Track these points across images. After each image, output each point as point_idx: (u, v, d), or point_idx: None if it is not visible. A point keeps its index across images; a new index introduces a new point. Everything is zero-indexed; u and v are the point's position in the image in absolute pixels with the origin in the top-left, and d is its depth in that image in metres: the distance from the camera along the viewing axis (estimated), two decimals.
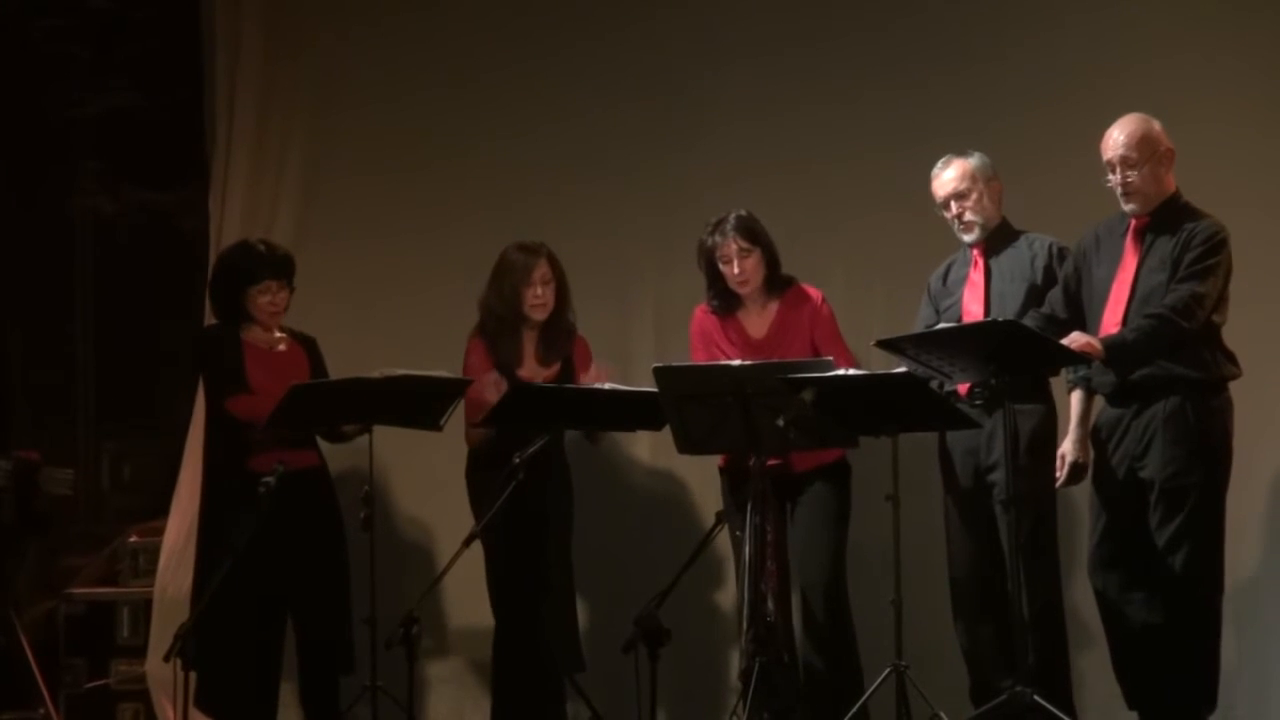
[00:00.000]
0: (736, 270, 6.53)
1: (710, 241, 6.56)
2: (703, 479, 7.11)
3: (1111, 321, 6.09)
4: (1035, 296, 6.33)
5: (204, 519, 6.71)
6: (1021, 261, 6.40)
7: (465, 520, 6.50)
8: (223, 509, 6.59)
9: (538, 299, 6.68)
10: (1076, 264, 6.29)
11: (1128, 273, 6.14)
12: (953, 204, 6.43)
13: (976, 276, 6.45)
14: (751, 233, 6.52)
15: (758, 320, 6.61)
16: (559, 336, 6.75)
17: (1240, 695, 6.82)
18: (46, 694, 7.18)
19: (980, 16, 7.32)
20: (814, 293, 6.62)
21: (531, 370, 6.71)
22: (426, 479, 7.38)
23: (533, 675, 6.62)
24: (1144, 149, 6.10)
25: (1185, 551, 6.02)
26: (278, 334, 6.76)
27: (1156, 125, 6.15)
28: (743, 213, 6.55)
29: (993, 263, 6.44)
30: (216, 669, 6.51)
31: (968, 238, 6.45)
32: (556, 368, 6.75)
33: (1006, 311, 6.26)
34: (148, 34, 8.02)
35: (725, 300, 6.61)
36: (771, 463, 6.29)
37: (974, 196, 6.41)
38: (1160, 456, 6.04)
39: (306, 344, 6.81)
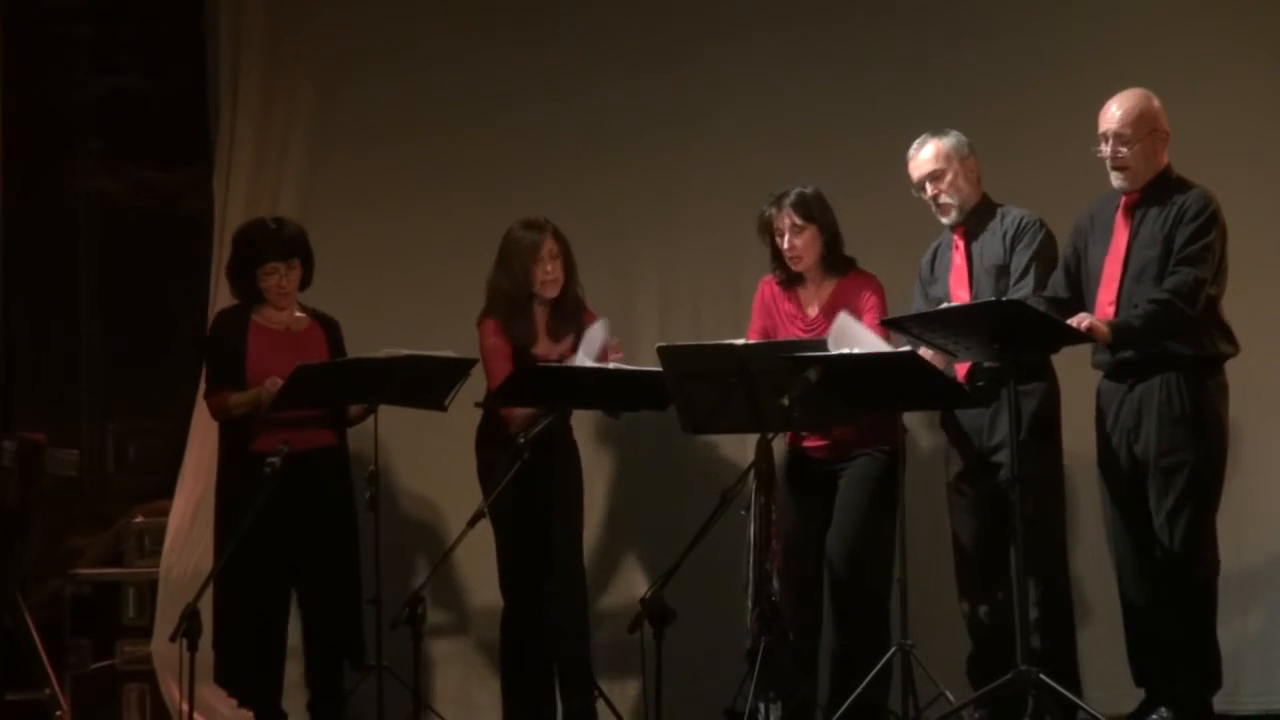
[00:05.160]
0: (787, 245, 6.50)
1: (768, 214, 6.53)
2: (713, 458, 7.11)
3: (1106, 300, 6.10)
4: (1004, 273, 6.33)
5: (216, 501, 6.73)
6: (995, 242, 6.39)
7: (472, 500, 6.49)
8: (229, 491, 6.61)
9: (548, 275, 6.66)
10: (1075, 244, 6.28)
11: (1119, 250, 6.14)
12: (928, 185, 6.42)
13: (959, 260, 6.44)
14: (807, 209, 6.48)
15: (814, 298, 6.59)
16: (569, 311, 6.74)
17: (1246, 676, 6.83)
18: (52, 675, 7.19)
19: None
20: (871, 280, 6.56)
21: (545, 347, 6.71)
22: (432, 459, 7.38)
23: (539, 655, 6.62)
24: (1139, 127, 6.10)
25: (1178, 530, 6.02)
26: (298, 314, 6.74)
27: (1155, 103, 6.15)
28: (807, 189, 6.51)
29: (973, 247, 6.42)
30: (232, 646, 6.54)
31: (945, 219, 6.45)
32: (569, 342, 6.73)
33: (987, 296, 6.25)
34: (151, 14, 8.01)
35: (789, 275, 6.59)
36: (817, 443, 6.38)
37: (948, 177, 6.40)
38: (1152, 435, 6.05)
39: (328, 326, 6.78)
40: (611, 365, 6.41)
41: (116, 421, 8.13)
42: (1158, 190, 6.13)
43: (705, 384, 6.11)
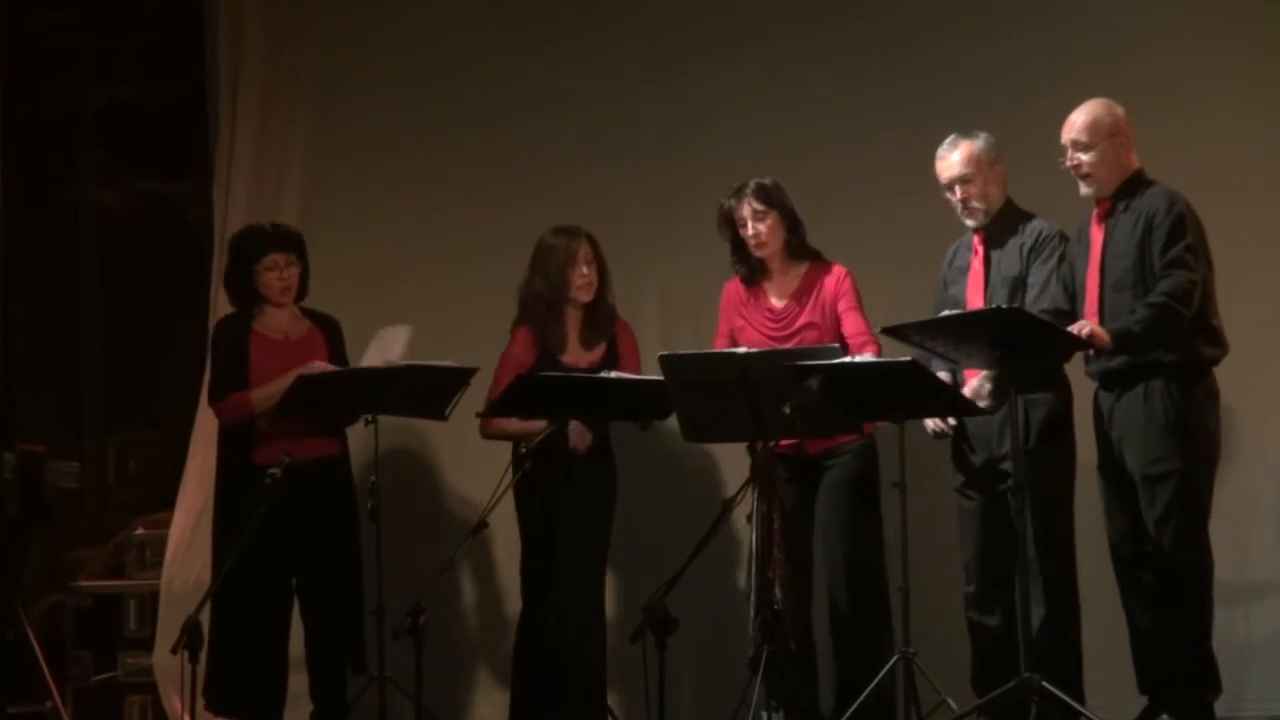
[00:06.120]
0: (751, 232, 6.54)
1: (728, 205, 6.58)
2: (715, 467, 7.10)
3: (1089, 310, 6.11)
4: (1019, 286, 6.33)
5: (215, 512, 6.72)
6: (1014, 253, 6.39)
7: (474, 510, 6.49)
8: (231, 502, 6.60)
9: (584, 279, 6.70)
10: (1070, 257, 6.29)
11: (1095, 260, 6.16)
12: (957, 188, 6.42)
13: (977, 265, 6.45)
14: (767, 196, 6.53)
15: (780, 288, 6.62)
16: (602, 318, 6.77)
17: (1249, 682, 6.82)
18: (54, 687, 7.18)
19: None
20: (838, 267, 6.61)
21: (575, 355, 6.72)
22: (435, 468, 7.38)
23: (551, 663, 6.61)
24: (1095, 132, 6.14)
25: (1167, 537, 6.02)
26: (298, 318, 6.73)
27: (1118, 110, 6.18)
28: (764, 179, 6.56)
29: (994, 254, 6.43)
30: (224, 661, 6.51)
31: (971, 223, 6.45)
32: (600, 351, 6.75)
33: (1000, 304, 6.25)
34: (150, 25, 8.01)
35: (751, 268, 6.63)
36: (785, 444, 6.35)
37: (978, 182, 6.40)
38: (1139, 445, 6.05)
39: (327, 327, 6.77)
40: (614, 375, 6.42)
41: (117, 433, 8.12)
42: (1125, 194, 6.15)
43: (707, 392, 6.11)
